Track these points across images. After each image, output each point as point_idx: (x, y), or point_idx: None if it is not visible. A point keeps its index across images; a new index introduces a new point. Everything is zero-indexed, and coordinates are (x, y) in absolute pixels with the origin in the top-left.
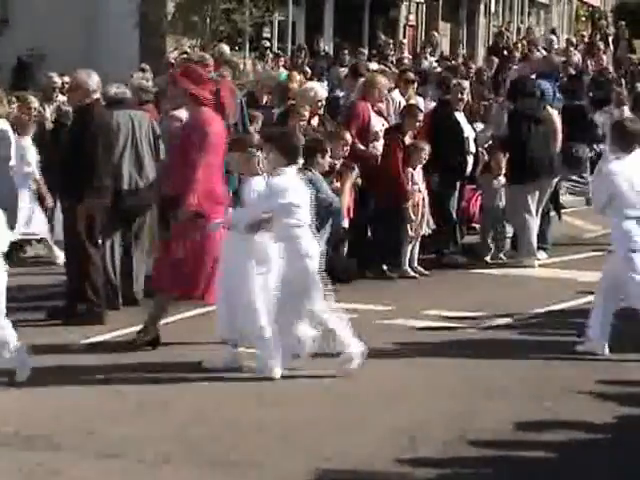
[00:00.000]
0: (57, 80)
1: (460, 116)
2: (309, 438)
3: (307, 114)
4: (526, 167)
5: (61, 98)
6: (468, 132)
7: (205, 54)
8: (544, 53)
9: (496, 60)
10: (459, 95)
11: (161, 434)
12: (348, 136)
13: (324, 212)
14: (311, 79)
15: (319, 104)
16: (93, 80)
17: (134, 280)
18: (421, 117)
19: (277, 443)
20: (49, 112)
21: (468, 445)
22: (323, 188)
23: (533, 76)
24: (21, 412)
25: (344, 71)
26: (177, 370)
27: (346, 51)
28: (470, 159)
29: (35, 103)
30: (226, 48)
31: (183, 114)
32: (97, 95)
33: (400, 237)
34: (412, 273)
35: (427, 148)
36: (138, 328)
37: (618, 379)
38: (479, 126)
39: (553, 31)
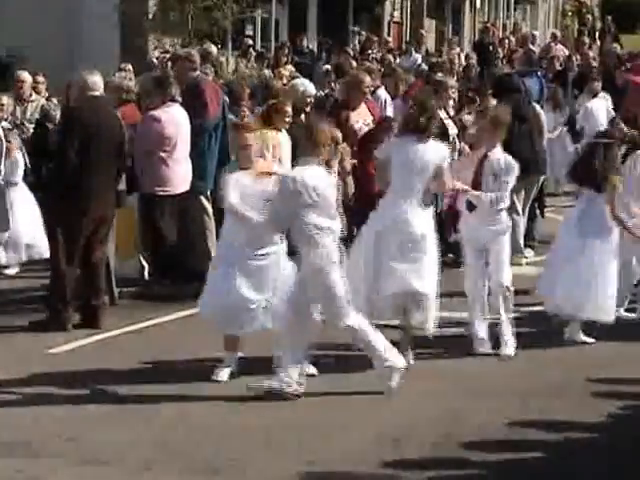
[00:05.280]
0: (27, 78)
1: (441, 112)
2: (293, 442)
3: (290, 111)
4: None
5: (35, 96)
6: (452, 129)
7: (191, 50)
8: (535, 49)
9: (473, 55)
10: (448, 94)
11: (143, 440)
12: None
13: None
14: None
15: (307, 100)
16: (88, 79)
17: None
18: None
19: (261, 447)
20: (19, 112)
21: (454, 446)
22: None
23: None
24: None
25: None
26: (159, 374)
27: (329, 48)
28: (455, 156)
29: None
30: (214, 48)
31: (162, 114)
32: (92, 94)
33: None
34: None
35: None
36: (118, 332)
37: (607, 378)
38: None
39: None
